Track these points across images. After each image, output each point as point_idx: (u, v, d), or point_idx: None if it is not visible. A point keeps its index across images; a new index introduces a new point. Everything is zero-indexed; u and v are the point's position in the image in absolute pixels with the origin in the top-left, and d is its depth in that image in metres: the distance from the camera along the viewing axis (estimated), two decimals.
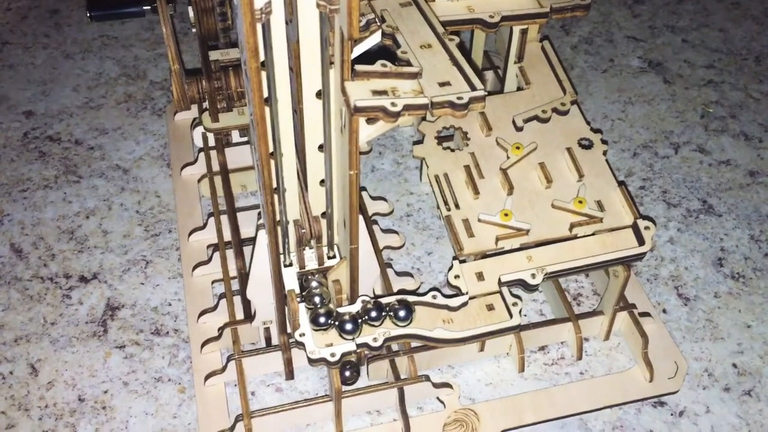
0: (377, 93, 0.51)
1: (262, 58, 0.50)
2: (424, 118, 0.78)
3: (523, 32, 0.74)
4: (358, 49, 0.52)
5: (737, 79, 0.96)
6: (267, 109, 0.53)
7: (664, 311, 0.73)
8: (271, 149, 0.55)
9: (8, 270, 0.76)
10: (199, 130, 0.81)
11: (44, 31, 1.03)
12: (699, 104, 0.93)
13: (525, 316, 0.72)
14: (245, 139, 0.80)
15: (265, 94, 0.52)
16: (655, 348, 0.68)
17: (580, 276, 0.76)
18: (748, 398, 0.67)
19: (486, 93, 0.52)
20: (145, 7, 0.70)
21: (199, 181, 0.81)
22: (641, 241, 0.63)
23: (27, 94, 0.94)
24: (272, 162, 0.56)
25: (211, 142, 0.81)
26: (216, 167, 0.79)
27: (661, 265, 0.77)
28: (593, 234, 0.64)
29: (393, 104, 0.50)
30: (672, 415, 0.66)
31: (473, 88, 0.52)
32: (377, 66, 0.52)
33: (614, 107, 0.93)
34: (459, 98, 0.51)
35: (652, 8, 1.07)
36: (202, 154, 0.81)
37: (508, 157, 0.68)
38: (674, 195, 0.83)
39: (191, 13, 0.73)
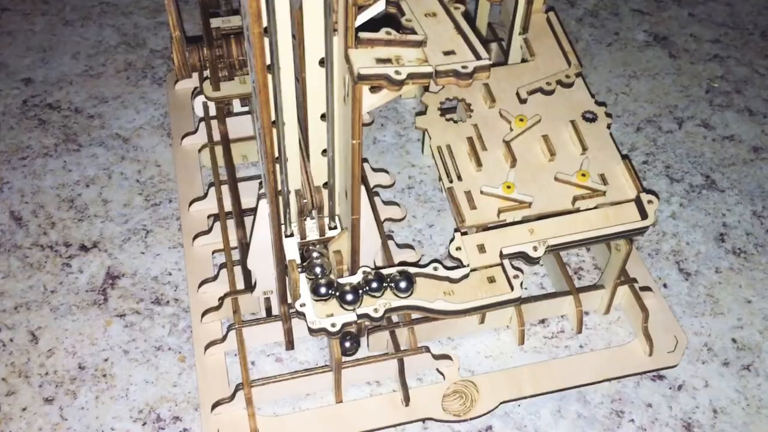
0: (381, 61, 0.50)
1: (264, 24, 0.49)
2: (427, 89, 0.78)
3: (529, 3, 0.73)
4: (363, 17, 0.51)
5: (743, 54, 0.95)
6: (269, 77, 0.53)
7: (665, 286, 0.73)
8: (273, 118, 0.55)
9: (8, 238, 0.75)
10: (200, 99, 0.80)
11: None
12: (704, 79, 0.92)
13: (526, 289, 0.72)
14: (246, 108, 0.79)
15: (268, 62, 0.52)
16: (655, 322, 0.68)
17: (581, 250, 0.76)
18: (746, 373, 0.67)
19: (491, 62, 0.51)
20: None
21: (199, 150, 0.81)
22: (644, 215, 0.63)
23: (26, 61, 0.93)
24: (274, 131, 0.55)
25: (212, 112, 0.80)
26: (217, 137, 0.78)
27: (663, 240, 0.77)
28: (596, 207, 0.64)
29: (397, 72, 0.50)
30: (671, 388, 0.66)
31: (478, 57, 0.52)
32: (381, 34, 0.51)
33: (619, 81, 0.92)
34: (464, 67, 0.51)
35: None
36: (202, 124, 0.81)
37: (511, 130, 0.68)
38: (677, 170, 0.83)
39: None
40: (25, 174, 0.81)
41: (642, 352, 0.67)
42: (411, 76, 0.50)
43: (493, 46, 0.86)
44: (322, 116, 0.57)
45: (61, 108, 0.88)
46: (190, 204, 0.76)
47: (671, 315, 0.70)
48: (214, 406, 0.63)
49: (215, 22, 0.70)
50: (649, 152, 0.85)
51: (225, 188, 0.75)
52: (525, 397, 0.65)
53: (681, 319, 0.70)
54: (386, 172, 0.81)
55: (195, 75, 0.82)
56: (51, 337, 0.68)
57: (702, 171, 0.83)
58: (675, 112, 0.89)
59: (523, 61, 0.75)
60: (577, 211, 0.63)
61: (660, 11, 1.01)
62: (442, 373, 0.66)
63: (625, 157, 0.66)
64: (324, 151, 0.59)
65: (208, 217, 0.76)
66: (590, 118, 0.69)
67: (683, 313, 0.71)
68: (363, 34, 0.50)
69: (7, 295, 0.71)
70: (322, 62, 0.53)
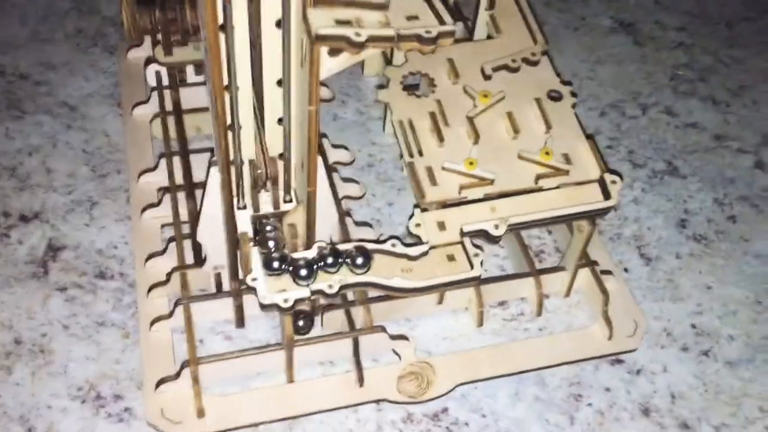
0: (341, 23, 0.48)
1: None
2: (389, 63, 0.75)
3: None
4: None
5: (708, 43, 0.95)
6: (222, 38, 0.50)
7: (626, 270, 0.72)
8: (225, 82, 0.52)
9: None
10: (153, 67, 0.77)
11: None
12: (668, 66, 0.92)
13: (486, 271, 0.70)
14: (201, 78, 0.76)
15: (221, 21, 0.49)
16: (615, 306, 0.67)
17: (543, 232, 0.74)
18: (705, 358, 0.67)
19: (455, 28, 0.49)
20: None
21: (150, 121, 0.77)
22: (607, 196, 0.62)
23: None
24: (227, 95, 0.53)
25: (166, 82, 0.77)
26: (169, 107, 0.75)
27: (625, 225, 0.76)
28: (559, 187, 0.62)
29: (357, 34, 0.47)
30: (629, 373, 0.65)
31: (442, 22, 0.49)
32: None
33: (584, 66, 0.91)
34: (427, 32, 0.48)
35: None
36: (154, 94, 0.77)
37: (475, 106, 0.66)
38: (640, 155, 0.82)
39: None
40: None
41: (602, 336, 0.66)
42: (372, 39, 0.48)
43: (459, 25, 0.84)
44: (279, 82, 0.54)
45: (5, 73, 0.83)
46: (140, 175, 0.73)
47: (632, 299, 0.69)
48: (159, 384, 0.60)
49: None
50: (612, 137, 0.84)
51: (176, 160, 0.71)
52: (482, 380, 0.63)
53: (641, 303, 0.70)
54: (346, 149, 0.78)
55: (147, 44, 0.78)
56: None
57: (665, 157, 0.82)
58: (639, 98, 0.88)
59: (489, 38, 0.73)
60: (540, 189, 0.62)
61: None
62: (398, 354, 0.64)
63: (589, 137, 0.65)
64: (280, 120, 0.57)
65: (158, 189, 0.73)
66: (555, 96, 0.68)
67: (643, 297, 0.70)
68: None
69: None
70: (278, 23, 0.51)
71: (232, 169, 0.57)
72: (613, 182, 0.62)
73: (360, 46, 0.48)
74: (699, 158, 0.82)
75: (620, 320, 0.67)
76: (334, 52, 0.50)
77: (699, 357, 0.66)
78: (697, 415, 0.63)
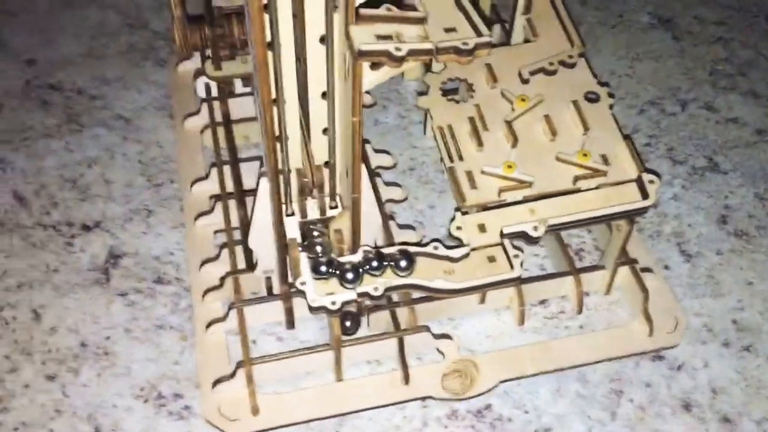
0: (382, 38, 0.50)
1: (265, 1, 0.49)
2: (429, 69, 0.77)
3: None
4: None
5: (747, 36, 0.95)
6: (269, 55, 0.53)
7: (666, 267, 0.73)
8: (273, 96, 0.55)
9: (11, 217, 0.76)
10: (202, 80, 0.80)
11: None
12: (708, 61, 0.92)
13: (526, 270, 0.72)
14: (248, 89, 0.79)
15: (268, 39, 0.52)
16: (655, 303, 0.68)
17: (582, 231, 0.76)
18: (746, 354, 0.67)
19: (491, 39, 0.51)
20: None
21: (201, 131, 0.81)
22: (645, 195, 0.63)
23: (29, 42, 0.93)
24: (274, 109, 0.55)
25: (215, 93, 0.80)
26: (219, 118, 0.78)
27: (665, 222, 0.77)
28: (597, 187, 0.63)
29: (397, 49, 0.49)
30: (670, 368, 0.66)
31: (479, 33, 0.51)
32: (382, 10, 0.51)
33: (622, 63, 0.92)
34: (464, 44, 0.50)
35: None
36: (204, 105, 0.81)
37: (513, 110, 0.68)
38: (680, 152, 0.83)
39: None
40: (27, 155, 0.81)
41: (642, 332, 0.67)
42: (411, 53, 0.50)
43: (496, 27, 0.86)
44: (323, 94, 0.57)
45: (63, 89, 0.88)
46: (192, 184, 0.77)
47: (672, 296, 0.70)
48: (215, 383, 0.63)
49: (217, 1, 0.70)
50: (651, 134, 0.85)
51: (227, 169, 0.75)
52: (524, 377, 0.65)
53: (682, 300, 0.70)
54: (388, 153, 0.81)
55: (197, 56, 0.82)
56: (53, 315, 0.69)
57: (705, 153, 0.83)
58: (678, 94, 0.89)
59: (526, 41, 0.75)
60: (578, 191, 0.63)
61: None
62: (442, 353, 0.66)
63: (626, 137, 0.66)
64: (325, 130, 0.59)
65: (210, 197, 0.76)
66: (592, 98, 0.69)
67: (684, 294, 0.71)
68: (363, 11, 0.50)
69: (10, 274, 0.71)
70: (322, 39, 0.53)
71: (281, 178, 0.59)
72: (651, 182, 0.63)
73: (400, 60, 0.50)
74: (740, 153, 0.83)
75: (660, 317, 0.68)
76: (375, 65, 0.52)
77: (740, 352, 0.67)
78: (739, 410, 0.64)
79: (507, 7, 0.79)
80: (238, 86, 0.80)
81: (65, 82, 0.88)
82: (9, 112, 0.85)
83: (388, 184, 0.77)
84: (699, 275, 0.72)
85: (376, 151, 0.80)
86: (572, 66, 0.71)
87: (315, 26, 0.53)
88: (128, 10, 0.97)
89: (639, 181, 0.63)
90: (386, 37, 0.50)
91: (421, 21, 0.52)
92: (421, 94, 0.70)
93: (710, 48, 0.94)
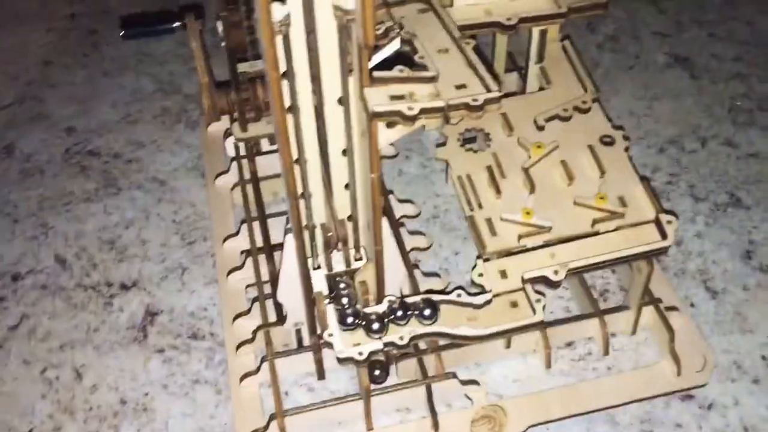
0: (395, 98, 0.53)
1: (283, 68, 0.52)
2: (447, 121, 0.80)
3: (543, 33, 0.75)
4: (378, 56, 0.53)
5: (765, 71, 0.95)
6: (290, 117, 0.55)
7: (692, 305, 0.73)
8: (295, 156, 0.58)
9: (53, 280, 0.79)
10: (231, 139, 0.83)
11: (83, 50, 1.07)
12: (726, 98, 0.93)
13: (551, 312, 0.73)
14: (275, 147, 0.82)
15: (288, 103, 0.55)
16: (682, 342, 0.68)
17: (606, 272, 0.76)
18: None
19: (501, 94, 0.53)
20: (174, 24, 0.73)
21: (231, 189, 0.84)
22: (664, 235, 0.64)
23: (68, 111, 0.98)
24: (297, 168, 0.58)
25: (243, 152, 0.83)
26: (248, 175, 0.81)
27: (689, 260, 0.77)
28: (616, 229, 0.64)
29: (410, 108, 0.52)
30: (700, 408, 0.66)
31: (488, 89, 0.54)
32: (395, 72, 0.54)
33: (640, 104, 0.93)
34: (474, 100, 0.53)
35: (679, 4, 1.07)
36: (234, 164, 0.84)
37: (529, 157, 0.69)
38: (701, 189, 0.83)
39: (220, 28, 0.76)
40: (68, 219, 0.85)
41: (670, 372, 0.67)
42: (423, 111, 0.52)
43: (513, 75, 0.88)
44: (343, 152, 0.59)
45: (101, 154, 0.92)
46: (224, 241, 0.79)
47: (699, 334, 0.70)
48: None
49: (242, 67, 0.73)
50: (672, 173, 0.85)
51: (256, 225, 0.77)
52: (553, 420, 0.65)
53: (709, 337, 0.70)
54: (411, 202, 0.83)
55: (225, 118, 0.85)
56: (94, 374, 0.71)
57: (727, 189, 0.83)
58: (698, 131, 0.90)
59: (541, 89, 0.77)
60: (597, 233, 0.64)
61: (680, 32, 1.02)
62: (470, 398, 0.67)
63: (643, 179, 0.67)
64: (347, 185, 0.61)
65: (241, 253, 0.79)
66: (608, 141, 0.70)
67: (711, 331, 0.71)
68: (377, 74, 0.53)
69: (53, 335, 0.75)
70: (340, 101, 0.56)
71: (306, 234, 0.62)
72: (669, 222, 0.64)
73: (413, 119, 0.52)
74: (762, 188, 0.83)
75: (688, 355, 0.68)
76: (390, 124, 0.55)
77: None
78: None
79: (522, 54, 0.81)
80: (265, 144, 0.83)
81: (103, 147, 0.93)
82: (51, 178, 0.90)
83: (412, 232, 0.79)
84: (725, 312, 0.72)
85: (400, 201, 0.82)
86: (587, 111, 0.72)
87: (332, 89, 0.55)
88: (161, 76, 1.02)
89: (657, 222, 0.64)
90: (399, 97, 0.53)
91: (433, 80, 0.54)
92: (440, 145, 0.73)
93: (728, 84, 0.95)
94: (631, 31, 1.04)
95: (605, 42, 1.02)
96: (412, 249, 0.78)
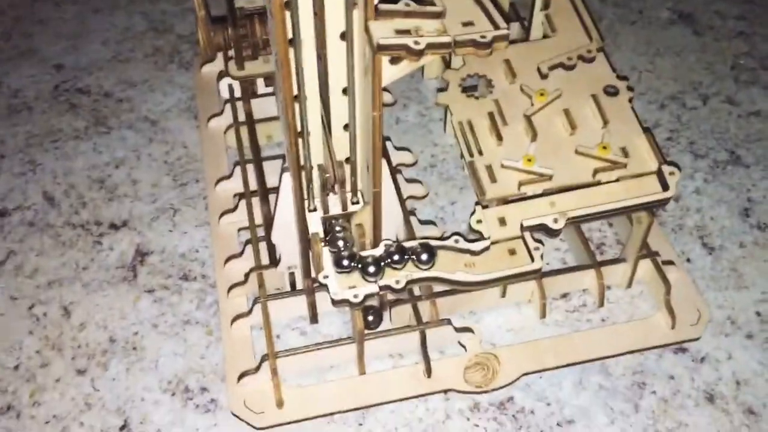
0: (400, 32, 0.51)
1: None
2: (448, 66, 0.78)
3: None
4: None
5: None
6: (291, 52, 0.54)
7: (689, 260, 0.73)
8: (295, 92, 0.56)
9: (41, 217, 0.77)
10: (225, 81, 0.82)
11: None
12: (729, 55, 0.92)
13: (548, 264, 0.72)
14: (271, 89, 0.80)
15: (290, 35, 0.53)
16: (677, 296, 0.68)
17: (603, 225, 0.76)
18: None
19: (509, 31, 0.52)
20: None
21: (225, 131, 0.82)
22: (665, 187, 0.63)
23: (57, 48, 0.95)
24: (296, 105, 0.56)
25: (238, 94, 0.82)
26: (242, 118, 0.80)
27: (687, 215, 0.77)
28: (617, 180, 0.64)
29: (416, 42, 0.50)
30: (693, 360, 0.66)
31: (497, 27, 0.52)
32: (400, 5, 0.52)
33: (642, 59, 0.92)
34: (482, 37, 0.51)
35: None
36: (228, 106, 0.82)
37: (532, 104, 0.68)
38: (701, 146, 0.83)
39: None
40: (57, 156, 0.83)
41: (664, 325, 0.67)
42: (430, 46, 0.51)
43: (515, 25, 0.86)
44: (344, 90, 0.58)
45: (91, 92, 0.90)
46: (216, 183, 0.78)
47: (694, 288, 0.70)
48: (241, 377, 0.64)
49: (239, 2, 0.71)
50: (673, 129, 0.85)
51: (250, 168, 0.76)
52: (547, 369, 0.65)
53: (705, 292, 0.70)
54: (409, 150, 0.81)
55: (220, 59, 0.83)
56: (83, 311, 0.70)
57: (727, 147, 0.82)
58: (700, 88, 0.88)
59: (545, 37, 0.75)
60: (598, 183, 0.64)
61: None
62: (463, 346, 0.66)
63: (646, 130, 0.66)
64: (346, 126, 0.60)
65: (234, 195, 0.77)
66: (612, 92, 0.69)
67: (707, 287, 0.71)
68: (382, 6, 0.51)
69: (41, 272, 0.73)
70: (343, 36, 0.54)
71: (303, 174, 0.61)
72: (672, 173, 0.63)
73: (419, 54, 0.51)
74: (762, 146, 0.82)
75: (683, 309, 0.68)
76: (395, 60, 0.53)
77: (764, 344, 0.67)
78: (763, 401, 0.63)
79: (526, 6, 0.79)
80: (261, 87, 0.81)
81: (93, 85, 0.90)
82: (39, 115, 0.87)
83: (409, 181, 0.78)
84: (722, 268, 0.72)
85: (397, 148, 0.81)
86: (591, 60, 0.71)
87: (335, 23, 0.54)
88: (153, 15, 0.99)
89: (659, 173, 0.63)
90: (405, 32, 0.51)
91: (440, 15, 0.52)
92: (441, 90, 0.71)
93: (731, 42, 0.93)
94: None
95: None
96: (409, 197, 0.77)
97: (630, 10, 0.98)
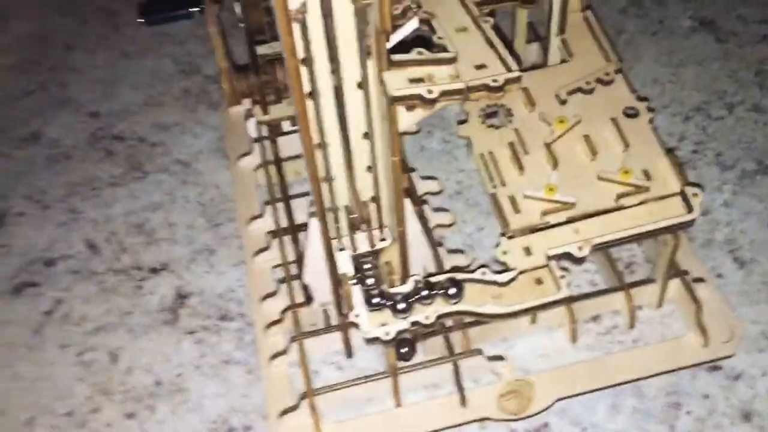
0: (414, 81, 0.53)
1: (302, 55, 0.52)
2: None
3: (564, 4, 0.74)
4: (396, 37, 0.53)
5: None
6: (311, 102, 0.56)
7: (719, 276, 0.73)
8: (317, 140, 0.58)
9: (85, 265, 0.81)
10: (253, 121, 0.84)
11: (104, 33, 1.07)
12: (753, 62, 0.91)
13: (577, 286, 0.73)
14: (296, 128, 0.82)
15: (308, 89, 0.55)
16: (709, 313, 0.68)
17: (632, 244, 0.76)
18: None
19: (521, 74, 0.53)
20: (193, 9, 0.73)
21: (255, 170, 0.85)
22: (689, 208, 0.63)
23: (91, 95, 0.99)
24: (319, 153, 0.58)
25: (265, 132, 0.84)
26: (270, 156, 0.82)
27: (716, 230, 0.77)
28: (640, 203, 0.64)
29: (429, 91, 0.52)
30: (728, 379, 0.66)
31: (509, 69, 0.53)
32: (413, 54, 0.53)
33: (665, 70, 0.92)
34: (494, 81, 0.52)
35: None
36: (256, 145, 0.84)
37: (552, 132, 0.69)
38: (729, 157, 0.82)
39: (237, 8, 0.76)
40: (96, 203, 0.86)
41: (697, 343, 0.68)
42: (443, 94, 0.52)
43: (534, 46, 0.87)
44: (365, 135, 0.59)
45: (125, 138, 0.93)
46: (249, 222, 0.80)
47: (726, 305, 0.69)
48: (281, 414, 0.66)
49: (261, 49, 0.73)
50: (698, 141, 0.84)
51: (280, 205, 0.78)
52: (580, 393, 0.66)
53: (737, 308, 0.70)
54: (434, 179, 0.83)
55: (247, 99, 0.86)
56: (129, 356, 0.73)
57: (754, 156, 0.82)
58: (724, 97, 0.88)
59: (562, 61, 0.76)
60: (622, 208, 0.64)
61: None
62: (497, 374, 0.67)
63: (669, 151, 0.67)
64: (369, 168, 0.62)
65: (267, 234, 0.80)
66: (631, 113, 0.70)
67: (739, 302, 0.71)
68: (395, 57, 0.53)
69: (88, 319, 0.76)
70: (359, 85, 0.56)
71: (329, 216, 0.62)
72: (695, 194, 0.63)
73: (433, 102, 0.52)
74: None
75: (715, 327, 0.68)
76: (411, 107, 0.54)
77: None
78: None
79: (543, 24, 0.80)
80: (287, 125, 0.83)
81: (127, 131, 0.94)
82: (77, 163, 0.91)
83: (436, 209, 0.79)
84: (754, 282, 0.72)
85: (423, 177, 0.82)
86: (609, 83, 0.72)
87: (352, 73, 0.55)
88: (181, 56, 1.02)
89: (682, 195, 0.64)
90: (418, 80, 0.53)
91: (452, 61, 0.54)
92: (462, 122, 0.72)
93: (755, 48, 0.93)
94: None
95: (628, 7, 1.00)
96: (436, 226, 0.78)
97: (650, 20, 0.98)
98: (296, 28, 0.50)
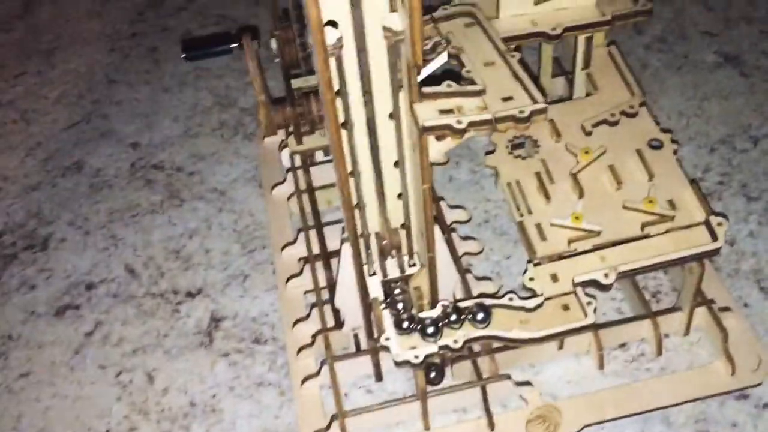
0: (444, 112, 0.55)
1: (336, 87, 0.55)
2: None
3: (589, 39, 0.76)
4: (426, 71, 0.56)
5: None
6: (344, 132, 0.58)
7: (746, 305, 0.73)
8: (350, 169, 0.60)
9: (124, 289, 0.84)
10: (287, 151, 0.87)
11: (145, 67, 1.12)
12: None
13: (604, 314, 0.74)
14: (329, 157, 0.85)
15: (342, 119, 0.58)
16: (736, 341, 0.69)
17: (659, 273, 0.77)
18: None
19: (546, 105, 0.55)
20: (232, 45, 0.77)
21: (288, 199, 0.87)
22: (714, 237, 0.64)
23: (132, 127, 1.03)
24: (352, 181, 0.61)
25: (298, 162, 0.87)
26: (303, 185, 0.85)
27: (742, 260, 0.77)
28: (666, 232, 0.65)
29: (458, 122, 0.54)
30: (756, 407, 0.66)
31: (534, 101, 0.56)
32: (443, 87, 0.56)
33: (690, 104, 0.94)
34: (521, 112, 0.55)
35: (727, 1, 1.06)
36: (290, 174, 0.87)
37: (577, 162, 0.71)
38: (754, 188, 0.83)
39: (273, 45, 0.79)
40: (136, 230, 0.90)
41: (725, 372, 0.68)
42: (472, 124, 0.55)
43: (560, 80, 0.89)
44: (396, 164, 0.62)
45: (164, 167, 0.97)
46: (282, 249, 0.83)
47: (753, 334, 0.70)
48: None
49: (296, 83, 0.76)
50: (724, 173, 0.85)
51: (313, 233, 0.80)
52: (608, 420, 0.67)
53: (764, 337, 0.71)
54: (462, 208, 0.85)
55: (281, 129, 0.89)
56: (165, 377, 0.76)
57: None
58: (749, 131, 0.89)
59: (588, 95, 0.78)
60: (647, 236, 0.65)
61: (729, 30, 1.02)
62: (524, 399, 0.68)
63: (693, 181, 0.68)
64: (399, 195, 0.64)
65: (299, 260, 0.82)
66: (656, 145, 0.71)
67: (766, 331, 0.71)
68: (426, 89, 0.55)
69: (126, 341, 0.79)
70: (391, 116, 0.59)
71: (361, 242, 0.65)
72: (719, 224, 0.64)
73: (462, 132, 0.54)
74: None
75: (743, 355, 0.68)
76: (440, 137, 0.57)
77: None
78: None
79: (569, 59, 0.82)
80: (319, 155, 0.86)
81: (166, 161, 0.97)
82: (118, 191, 0.95)
83: (464, 238, 0.81)
84: None
85: (451, 206, 0.84)
86: (634, 115, 0.73)
87: (384, 105, 0.58)
88: (219, 90, 1.06)
89: (707, 224, 0.65)
90: (448, 112, 0.55)
91: (480, 93, 0.56)
92: (489, 153, 0.75)
93: None
94: (679, 30, 1.03)
95: (653, 43, 1.02)
96: (464, 254, 0.80)
97: (675, 55, 1.00)
98: (332, 62, 0.53)
